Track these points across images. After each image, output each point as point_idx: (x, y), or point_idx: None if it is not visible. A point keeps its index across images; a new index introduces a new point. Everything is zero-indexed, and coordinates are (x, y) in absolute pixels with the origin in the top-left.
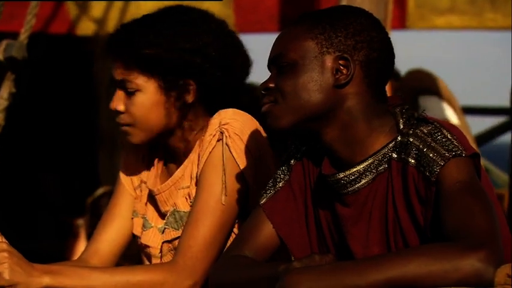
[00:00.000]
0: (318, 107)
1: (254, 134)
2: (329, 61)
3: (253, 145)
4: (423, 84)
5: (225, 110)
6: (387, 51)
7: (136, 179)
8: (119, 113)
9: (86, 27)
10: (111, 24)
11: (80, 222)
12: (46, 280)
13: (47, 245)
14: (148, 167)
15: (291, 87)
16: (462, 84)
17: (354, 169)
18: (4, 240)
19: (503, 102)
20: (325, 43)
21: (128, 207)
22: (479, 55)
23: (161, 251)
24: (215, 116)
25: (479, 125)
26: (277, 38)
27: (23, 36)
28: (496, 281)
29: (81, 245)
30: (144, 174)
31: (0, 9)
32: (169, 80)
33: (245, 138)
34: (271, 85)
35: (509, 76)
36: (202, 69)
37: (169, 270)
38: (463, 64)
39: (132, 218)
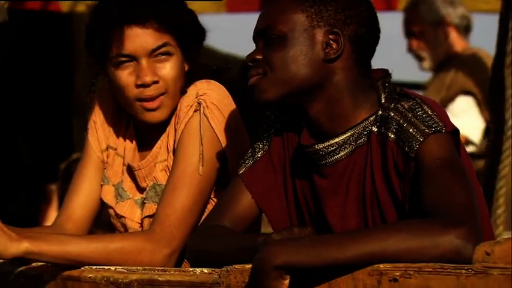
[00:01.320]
0: (307, 80)
1: (230, 104)
2: (319, 35)
3: (229, 115)
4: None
5: (200, 81)
6: (374, 27)
7: (103, 142)
8: (152, 84)
9: (63, 3)
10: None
11: (53, 187)
12: (25, 245)
13: (20, 209)
14: (117, 132)
15: (280, 60)
16: None
17: (333, 141)
18: None
19: None
20: (315, 16)
21: (97, 170)
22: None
23: (141, 226)
24: (191, 87)
25: None
26: (264, 10)
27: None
28: (474, 258)
29: (53, 211)
30: (112, 139)
31: None
32: (187, 45)
33: (222, 108)
34: (258, 57)
35: None
36: (201, 34)
37: (147, 238)
38: None
39: (102, 185)
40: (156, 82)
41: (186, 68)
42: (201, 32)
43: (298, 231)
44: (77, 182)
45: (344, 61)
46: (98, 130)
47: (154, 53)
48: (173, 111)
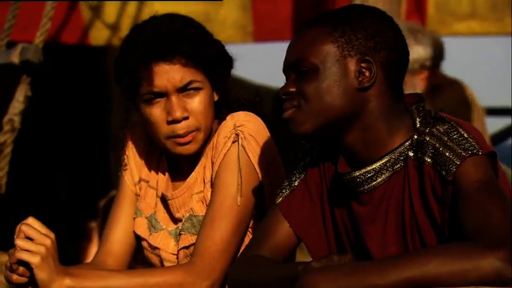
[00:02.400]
0: (343, 110)
1: (266, 136)
2: (351, 64)
3: (266, 146)
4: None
5: (237, 112)
6: (403, 50)
7: (136, 175)
8: (182, 120)
9: (98, 37)
10: (122, 33)
11: (93, 225)
12: (67, 281)
13: (61, 247)
14: (149, 165)
15: (314, 92)
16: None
17: (370, 167)
18: (52, 233)
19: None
20: (346, 46)
21: (133, 204)
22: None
23: (177, 257)
24: (228, 118)
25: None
26: (292, 42)
27: (39, 39)
28: None
29: (94, 248)
30: (144, 172)
31: (16, 7)
32: (215, 77)
33: (259, 139)
34: (292, 89)
35: None
36: (228, 65)
37: (187, 271)
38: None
39: (134, 218)
40: (186, 118)
41: (216, 98)
42: (229, 61)
43: (338, 258)
44: (114, 217)
45: (377, 88)
46: (131, 164)
47: (183, 89)
48: (205, 141)
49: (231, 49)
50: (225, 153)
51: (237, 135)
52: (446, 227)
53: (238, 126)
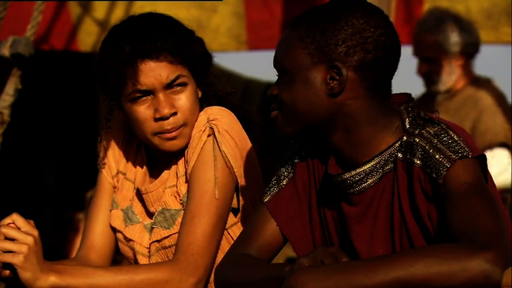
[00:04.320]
0: (317, 116)
1: (239, 129)
2: (321, 71)
3: (239, 140)
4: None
5: (210, 107)
6: (385, 50)
7: (114, 168)
8: (170, 116)
9: (85, 43)
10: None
11: (81, 216)
12: (52, 279)
13: (48, 239)
14: (127, 157)
15: (288, 99)
16: None
17: (360, 169)
18: (35, 230)
19: None
20: (316, 53)
21: (112, 197)
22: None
23: (149, 251)
24: (201, 113)
25: None
26: (279, 40)
27: (30, 32)
28: (503, 282)
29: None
30: (122, 164)
31: (5, 6)
32: (199, 73)
33: (233, 133)
34: (274, 92)
35: None
36: (209, 60)
37: (172, 268)
38: None
39: (110, 210)
40: (174, 114)
41: (200, 95)
42: (209, 58)
43: (323, 250)
44: (93, 211)
45: (352, 91)
46: (109, 157)
47: (169, 86)
48: None
49: (226, 57)
50: (201, 148)
51: (211, 129)
52: (435, 229)
53: (212, 120)
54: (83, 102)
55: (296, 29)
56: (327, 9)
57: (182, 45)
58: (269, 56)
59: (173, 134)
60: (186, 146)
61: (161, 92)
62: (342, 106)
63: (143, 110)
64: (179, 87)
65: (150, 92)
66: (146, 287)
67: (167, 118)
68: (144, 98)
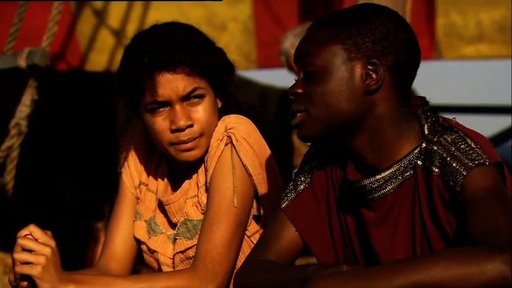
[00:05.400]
0: (349, 114)
1: (257, 137)
2: (358, 67)
3: (258, 148)
4: None
5: (228, 115)
6: (413, 53)
7: (136, 178)
8: (186, 128)
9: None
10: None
11: (100, 225)
12: None
13: (67, 249)
14: (148, 168)
15: (321, 95)
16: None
17: (380, 176)
18: (53, 241)
19: None
20: (353, 49)
21: (133, 207)
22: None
23: (173, 262)
24: (219, 122)
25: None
26: (302, 40)
27: (45, 43)
28: None
29: (100, 249)
30: (144, 176)
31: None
32: (218, 84)
33: (251, 141)
34: (299, 91)
35: None
36: (230, 70)
37: (191, 276)
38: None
39: (134, 221)
40: (191, 126)
41: (219, 105)
42: (231, 68)
43: (346, 269)
44: (115, 221)
45: (384, 91)
46: (131, 167)
47: (186, 97)
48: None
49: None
50: (219, 156)
51: (229, 137)
52: (455, 237)
53: (230, 129)
54: (103, 113)
55: (326, 28)
56: (355, 12)
57: (200, 57)
58: (278, 73)
59: (189, 145)
60: (205, 156)
61: (178, 103)
62: (373, 106)
63: (160, 121)
64: (196, 99)
65: (167, 104)
66: None
67: (183, 130)
68: (161, 109)
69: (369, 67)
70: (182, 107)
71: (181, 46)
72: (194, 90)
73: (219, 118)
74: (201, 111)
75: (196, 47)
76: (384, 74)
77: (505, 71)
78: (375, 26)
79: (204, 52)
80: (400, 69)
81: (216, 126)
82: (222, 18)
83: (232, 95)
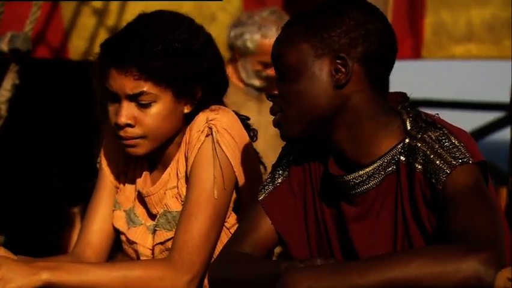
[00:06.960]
0: (324, 111)
1: (239, 129)
2: (326, 63)
3: (239, 139)
4: None
5: (210, 107)
6: (385, 43)
7: (116, 168)
8: (126, 126)
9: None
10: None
11: (76, 210)
12: (45, 276)
13: (45, 233)
14: (128, 159)
15: (294, 95)
16: None
17: (363, 171)
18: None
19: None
20: (320, 45)
21: (112, 195)
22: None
23: (153, 252)
24: (200, 113)
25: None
26: (275, 41)
27: (28, 27)
28: (496, 284)
29: (76, 234)
30: (124, 166)
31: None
32: (181, 88)
33: (232, 132)
34: (275, 92)
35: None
36: (207, 73)
37: (167, 266)
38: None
39: (113, 210)
40: (130, 125)
41: (187, 110)
42: (211, 72)
43: (320, 262)
44: (93, 208)
45: (357, 84)
46: (111, 155)
47: (132, 98)
48: (163, 145)
49: None
50: (199, 148)
51: (210, 128)
52: (436, 234)
53: (211, 120)
54: (83, 98)
55: (294, 26)
56: (324, 7)
57: (156, 65)
58: None
59: (128, 142)
60: (185, 147)
61: (125, 100)
62: (347, 99)
63: (112, 111)
64: (145, 103)
65: (118, 97)
66: (140, 284)
67: (122, 127)
68: (114, 101)
69: (337, 61)
70: (129, 105)
71: (140, 48)
72: (141, 93)
73: (190, 120)
74: (148, 116)
75: (159, 52)
76: (354, 66)
77: (492, 70)
78: (341, 19)
79: (166, 59)
80: (372, 60)
81: (170, 130)
82: (213, 9)
83: (209, 101)
